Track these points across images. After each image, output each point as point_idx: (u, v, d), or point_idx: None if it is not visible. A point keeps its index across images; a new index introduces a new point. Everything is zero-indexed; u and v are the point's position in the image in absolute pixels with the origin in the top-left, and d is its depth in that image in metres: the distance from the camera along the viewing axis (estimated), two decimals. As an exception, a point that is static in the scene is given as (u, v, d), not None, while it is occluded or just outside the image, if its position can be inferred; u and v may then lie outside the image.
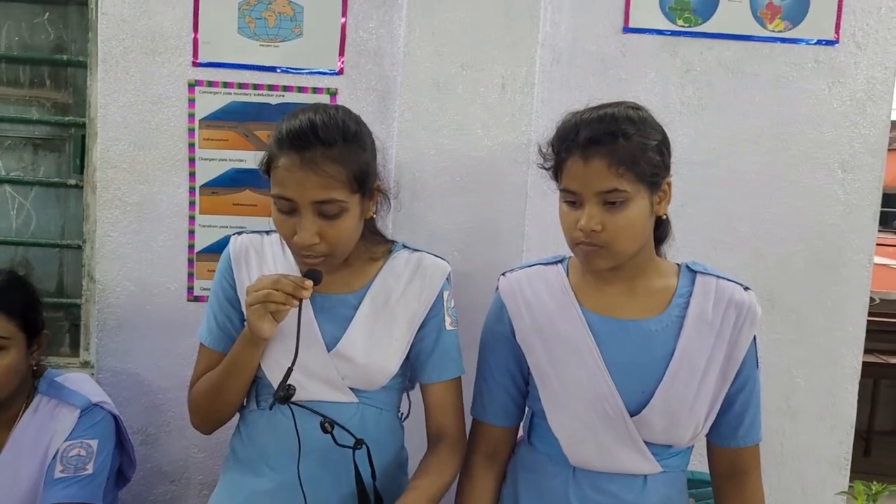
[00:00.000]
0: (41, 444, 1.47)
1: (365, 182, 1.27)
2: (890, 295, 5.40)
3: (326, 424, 1.26)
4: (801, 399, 1.96)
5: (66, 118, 1.97)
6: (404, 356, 1.36)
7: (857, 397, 1.99)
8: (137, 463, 1.70)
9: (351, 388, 1.34)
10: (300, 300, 1.23)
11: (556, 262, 1.38)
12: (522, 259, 1.83)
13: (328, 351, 1.32)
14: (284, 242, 1.32)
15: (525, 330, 1.33)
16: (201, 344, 1.40)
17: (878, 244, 2.09)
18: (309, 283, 1.23)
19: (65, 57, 1.97)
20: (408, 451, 1.47)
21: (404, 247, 1.41)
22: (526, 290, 1.35)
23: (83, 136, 1.92)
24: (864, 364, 4.97)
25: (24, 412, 1.49)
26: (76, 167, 1.95)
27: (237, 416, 1.42)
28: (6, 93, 2.00)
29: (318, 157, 1.20)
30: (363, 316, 1.34)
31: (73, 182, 1.97)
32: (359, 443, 1.30)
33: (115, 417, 1.55)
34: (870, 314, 5.55)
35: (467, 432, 1.42)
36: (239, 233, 1.43)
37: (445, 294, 1.38)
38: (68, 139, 1.99)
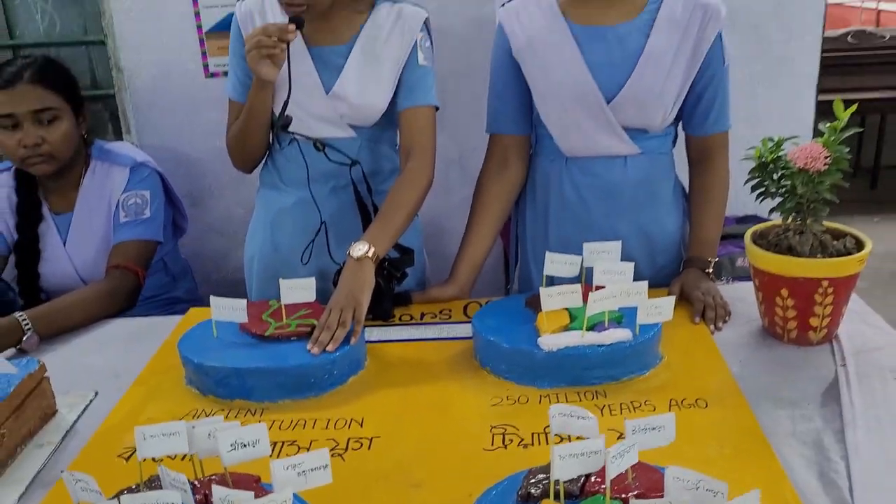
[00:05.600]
0: (104, 198, 1.79)
1: None
2: (900, 30, 5.33)
3: (318, 144, 1.54)
4: (764, 109, 2.17)
5: (66, -81, 2.13)
6: (391, 94, 1.59)
7: (815, 102, 2.18)
8: (189, 222, 2.04)
9: (350, 126, 1.59)
10: (287, 42, 1.45)
11: None
12: (495, 7, 1.99)
13: (326, 94, 1.56)
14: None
15: (519, 45, 1.56)
16: (230, 99, 1.64)
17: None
18: (292, 26, 1.43)
19: None
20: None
21: None
22: (521, 14, 1.57)
23: (84, -65, 2.08)
24: (871, 100, 5.11)
25: (84, 175, 1.80)
26: (85, -33, 2.13)
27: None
28: None
29: None
30: (354, 62, 1.55)
31: (84, -19, 2.16)
32: (354, 162, 1.58)
33: (159, 174, 1.86)
34: (877, 49, 5.57)
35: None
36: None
37: (420, 36, 1.56)
38: (71, -60, 2.16)
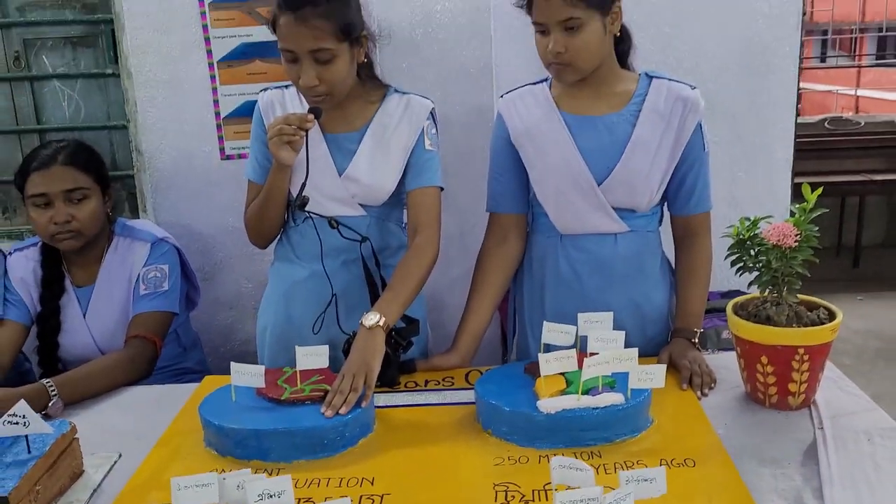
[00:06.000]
0: (125, 271, 1.89)
1: (351, 32, 1.58)
2: (874, 118, 5.62)
3: (332, 222, 1.66)
4: (744, 190, 2.32)
5: (96, 16, 2.31)
6: (399, 176, 1.72)
7: (790, 185, 2.33)
8: (201, 295, 2.14)
9: (360, 205, 1.72)
10: (306, 131, 1.59)
11: (541, 82, 1.73)
12: (493, 96, 2.17)
13: (339, 176, 1.69)
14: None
15: (518, 132, 1.70)
16: (249, 180, 1.77)
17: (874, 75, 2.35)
18: (311, 116, 1.58)
19: (85, -38, 2.28)
20: None
21: (395, 91, 1.74)
22: (518, 104, 1.72)
23: (112, 30, 2.26)
24: (851, 182, 5.33)
25: (107, 250, 1.91)
26: (111, 58, 2.31)
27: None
28: (42, 0, 2.33)
29: (308, 14, 1.52)
30: (366, 147, 1.69)
31: (110, 71, 2.33)
32: (364, 239, 1.70)
33: (177, 249, 1.97)
34: (855, 134, 5.85)
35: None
36: (265, 89, 1.78)
37: (426, 124, 1.71)
38: (100, 34, 2.34)
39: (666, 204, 1.76)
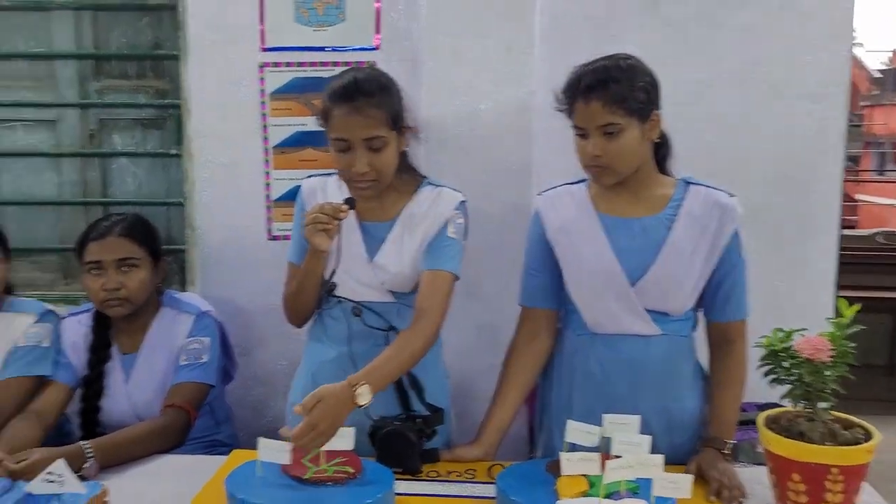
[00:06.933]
0: (168, 341, 1.96)
1: (399, 121, 1.68)
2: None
3: (356, 309, 1.71)
4: (784, 301, 2.29)
5: (166, 101, 2.48)
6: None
7: (833, 298, 2.31)
8: (237, 370, 2.19)
9: (389, 291, 1.77)
10: (340, 220, 1.65)
11: (579, 182, 1.78)
12: (531, 194, 2.23)
13: (369, 263, 1.75)
14: (342, 180, 1.75)
15: (553, 229, 1.74)
16: (289, 262, 1.85)
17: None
18: (345, 206, 1.65)
19: (161, 51, 2.47)
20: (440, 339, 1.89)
21: (429, 183, 1.82)
22: (556, 202, 1.77)
23: (179, 115, 2.41)
24: (883, 299, 5.14)
25: (153, 320, 1.99)
26: (175, 139, 2.46)
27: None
28: (118, 84, 2.53)
29: (363, 104, 1.62)
30: (394, 236, 1.76)
31: (173, 152, 2.47)
32: (390, 328, 1.73)
33: (219, 323, 2.04)
34: (886, 251, 5.70)
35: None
36: (310, 176, 1.88)
37: (454, 213, 1.75)
38: (168, 118, 2.50)
39: (702, 310, 1.76)
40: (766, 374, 1.47)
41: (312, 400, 1.45)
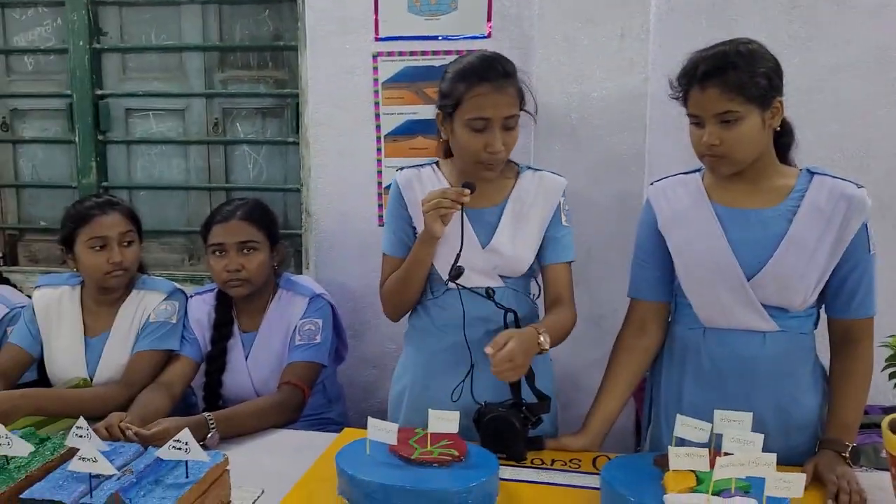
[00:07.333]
0: (284, 322, 2.05)
1: (524, 102, 1.72)
2: None
3: (489, 291, 1.71)
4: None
5: (284, 91, 2.59)
6: (537, 248, 1.79)
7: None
8: (348, 351, 2.28)
9: (500, 276, 1.79)
10: (461, 204, 1.68)
11: (694, 171, 1.74)
12: (644, 183, 2.19)
13: (483, 248, 1.77)
14: (436, 170, 1.80)
15: (665, 219, 1.71)
16: (384, 254, 1.88)
17: None
18: (467, 190, 1.67)
19: (281, 43, 2.58)
20: None
21: (528, 167, 1.83)
22: (668, 192, 1.73)
23: (297, 104, 2.51)
24: None
25: (271, 301, 2.09)
26: (293, 128, 2.56)
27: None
28: (241, 75, 2.66)
29: (504, 84, 1.66)
30: (507, 220, 1.77)
31: (291, 140, 2.58)
32: (510, 310, 1.74)
33: (332, 305, 2.12)
34: None
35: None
36: (400, 169, 1.90)
37: (561, 200, 1.79)
38: (286, 107, 2.61)
39: (824, 306, 1.68)
40: (892, 375, 1.40)
41: (503, 338, 1.55)
